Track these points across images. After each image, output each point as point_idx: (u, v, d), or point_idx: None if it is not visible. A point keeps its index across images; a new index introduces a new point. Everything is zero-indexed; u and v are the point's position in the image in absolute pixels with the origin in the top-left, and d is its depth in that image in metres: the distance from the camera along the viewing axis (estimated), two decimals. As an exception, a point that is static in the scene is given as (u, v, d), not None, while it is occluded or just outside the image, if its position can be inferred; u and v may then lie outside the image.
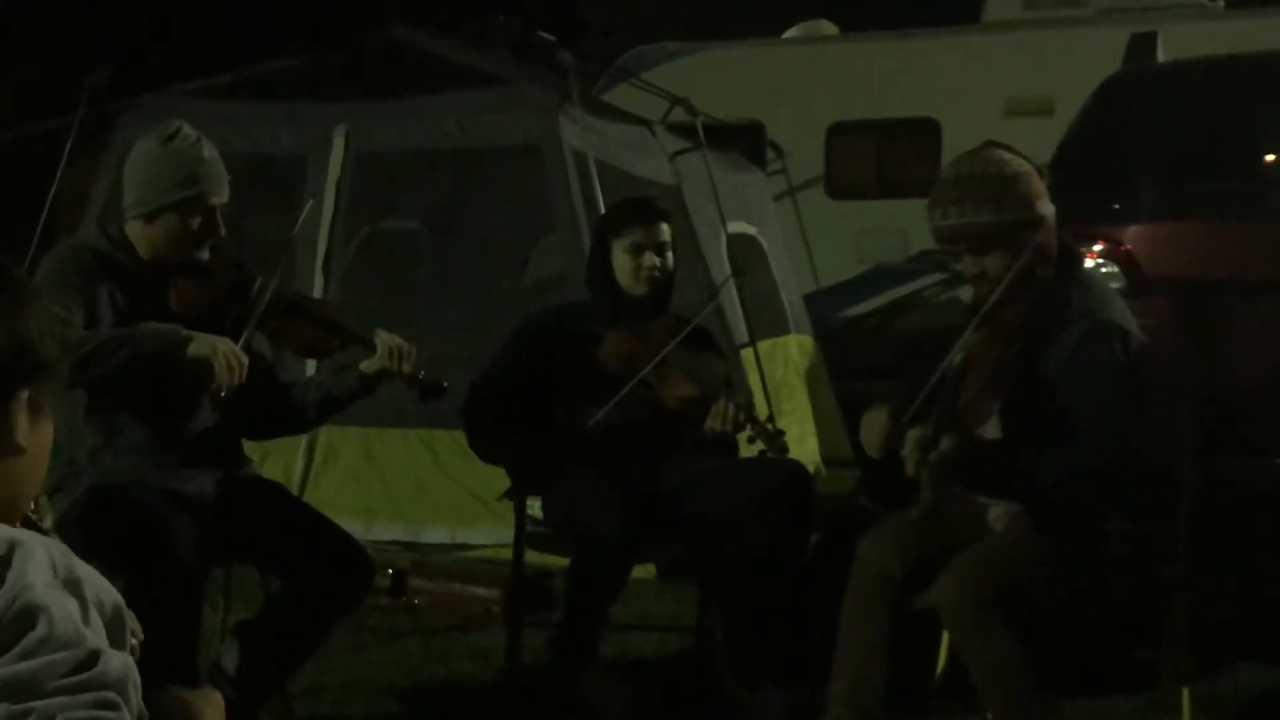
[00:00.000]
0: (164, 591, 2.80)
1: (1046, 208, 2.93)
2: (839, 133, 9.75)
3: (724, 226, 6.98)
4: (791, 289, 8.20)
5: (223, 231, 3.17)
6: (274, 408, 3.30)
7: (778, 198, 8.93)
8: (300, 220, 3.66)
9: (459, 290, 6.28)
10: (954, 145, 3.65)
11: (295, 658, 3.21)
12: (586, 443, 3.53)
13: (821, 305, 9.07)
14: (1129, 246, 4.89)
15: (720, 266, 6.89)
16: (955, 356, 2.91)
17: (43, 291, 2.93)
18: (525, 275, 6.46)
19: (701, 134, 7.08)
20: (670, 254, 3.73)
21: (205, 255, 3.17)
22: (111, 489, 3.02)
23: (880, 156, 9.80)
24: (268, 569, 3.28)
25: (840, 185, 9.77)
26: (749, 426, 3.47)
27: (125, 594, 1.26)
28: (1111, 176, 5.37)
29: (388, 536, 5.59)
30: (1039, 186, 2.93)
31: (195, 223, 3.13)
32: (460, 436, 3.86)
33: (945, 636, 3.03)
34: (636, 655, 4.15)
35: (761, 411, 3.90)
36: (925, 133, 9.38)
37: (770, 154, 9.56)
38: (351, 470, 5.81)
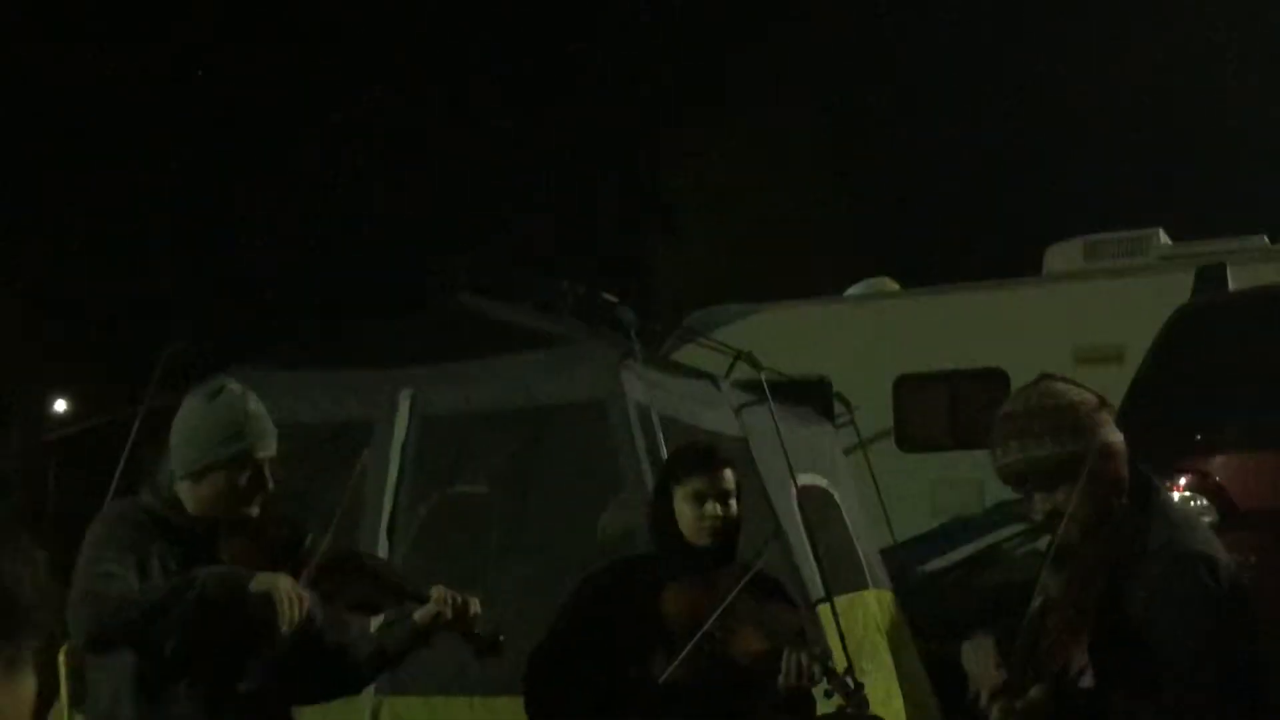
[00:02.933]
0: None
1: (1112, 435, 2.82)
2: (906, 385, 9.75)
3: (793, 478, 6.88)
4: (866, 542, 8.03)
5: (271, 486, 3.15)
6: (326, 668, 3.23)
7: (848, 451, 8.85)
8: (349, 485, 3.58)
9: (528, 551, 6.18)
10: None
11: None
12: (655, 701, 3.37)
13: (900, 559, 8.87)
14: (1218, 478, 4.74)
15: (791, 518, 6.76)
16: (1035, 600, 2.76)
17: (97, 549, 2.92)
18: (595, 536, 6.37)
19: (766, 386, 7.06)
20: (734, 501, 3.63)
21: (255, 511, 3.14)
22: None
23: (951, 407, 9.76)
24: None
25: (910, 437, 9.71)
26: (826, 680, 3.29)
27: None
28: (1192, 407, 5.25)
29: (454, 810, 5.36)
30: (1102, 415, 2.83)
31: (243, 478, 3.11)
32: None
33: None
34: None
35: (839, 665, 3.72)
36: (994, 383, 9.34)
37: (838, 407, 9.54)
38: (417, 741, 5.61)
